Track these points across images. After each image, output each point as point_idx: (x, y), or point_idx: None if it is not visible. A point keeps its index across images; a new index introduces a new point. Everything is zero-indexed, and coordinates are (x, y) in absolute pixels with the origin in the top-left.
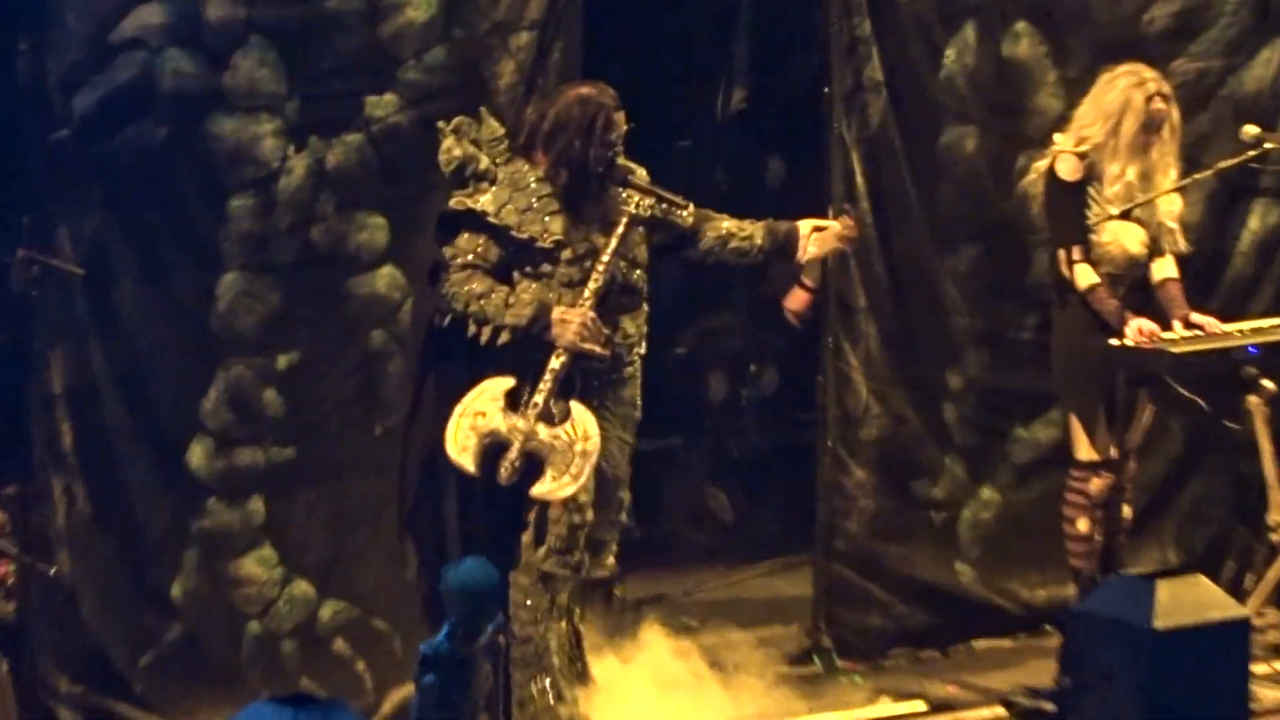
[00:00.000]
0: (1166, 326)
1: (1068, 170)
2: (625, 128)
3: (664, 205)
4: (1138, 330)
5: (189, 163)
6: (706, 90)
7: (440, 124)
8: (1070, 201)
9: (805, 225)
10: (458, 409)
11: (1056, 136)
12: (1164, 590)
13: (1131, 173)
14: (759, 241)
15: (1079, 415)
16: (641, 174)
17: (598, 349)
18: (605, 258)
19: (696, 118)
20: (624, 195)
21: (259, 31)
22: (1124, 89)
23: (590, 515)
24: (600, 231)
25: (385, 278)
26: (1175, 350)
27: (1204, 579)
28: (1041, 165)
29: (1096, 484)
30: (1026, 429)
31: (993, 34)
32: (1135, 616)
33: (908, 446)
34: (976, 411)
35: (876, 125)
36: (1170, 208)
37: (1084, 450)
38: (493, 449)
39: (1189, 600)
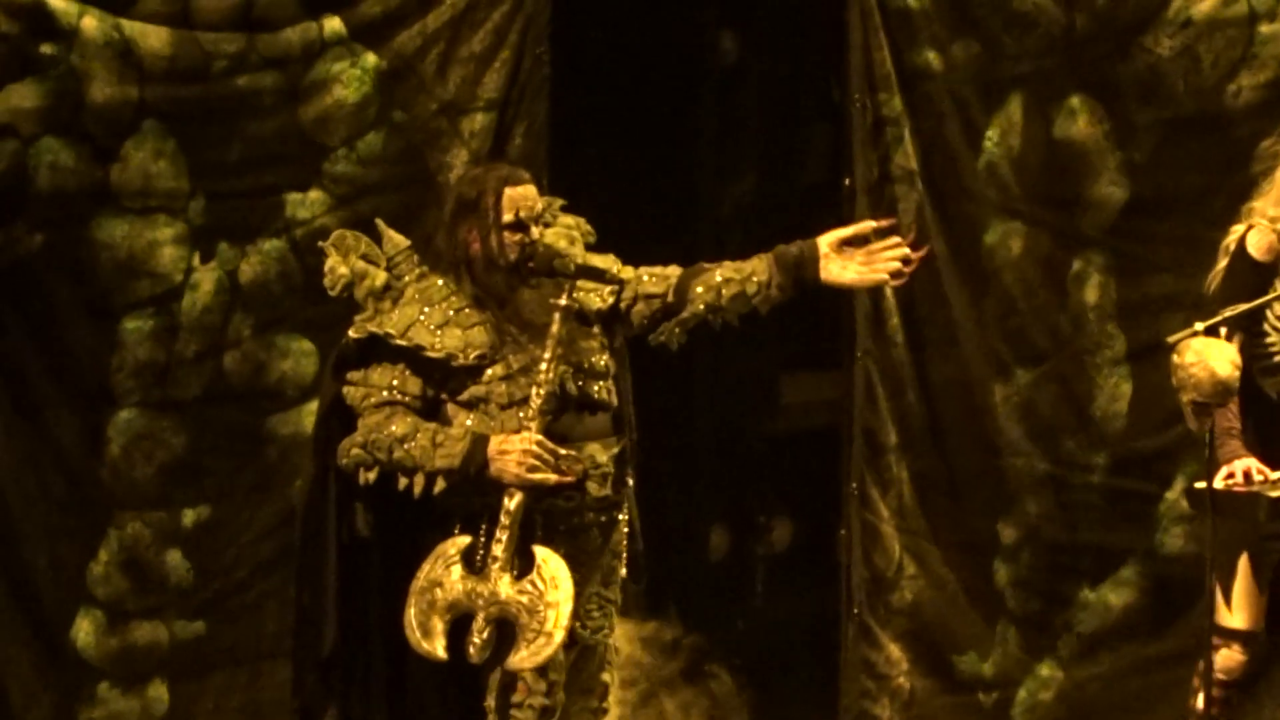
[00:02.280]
0: None
1: (1259, 247)
2: (537, 205)
3: (608, 284)
4: (1228, 473)
5: (70, 276)
6: (705, 183)
7: (320, 243)
8: (1254, 282)
9: (824, 241)
10: (412, 587)
11: (1247, 207)
12: None
13: None
14: (764, 276)
15: (1218, 570)
16: (575, 254)
17: (554, 477)
18: (543, 366)
19: (693, 216)
20: (553, 286)
21: (153, 115)
22: None
23: (562, 697)
24: (538, 339)
25: (313, 415)
26: (1274, 494)
27: None
28: (1230, 242)
29: (1227, 656)
30: (1095, 592)
31: (1043, 110)
32: None
33: (950, 614)
34: (1034, 572)
35: (909, 223)
36: None
37: (1221, 613)
38: (462, 624)
39: None
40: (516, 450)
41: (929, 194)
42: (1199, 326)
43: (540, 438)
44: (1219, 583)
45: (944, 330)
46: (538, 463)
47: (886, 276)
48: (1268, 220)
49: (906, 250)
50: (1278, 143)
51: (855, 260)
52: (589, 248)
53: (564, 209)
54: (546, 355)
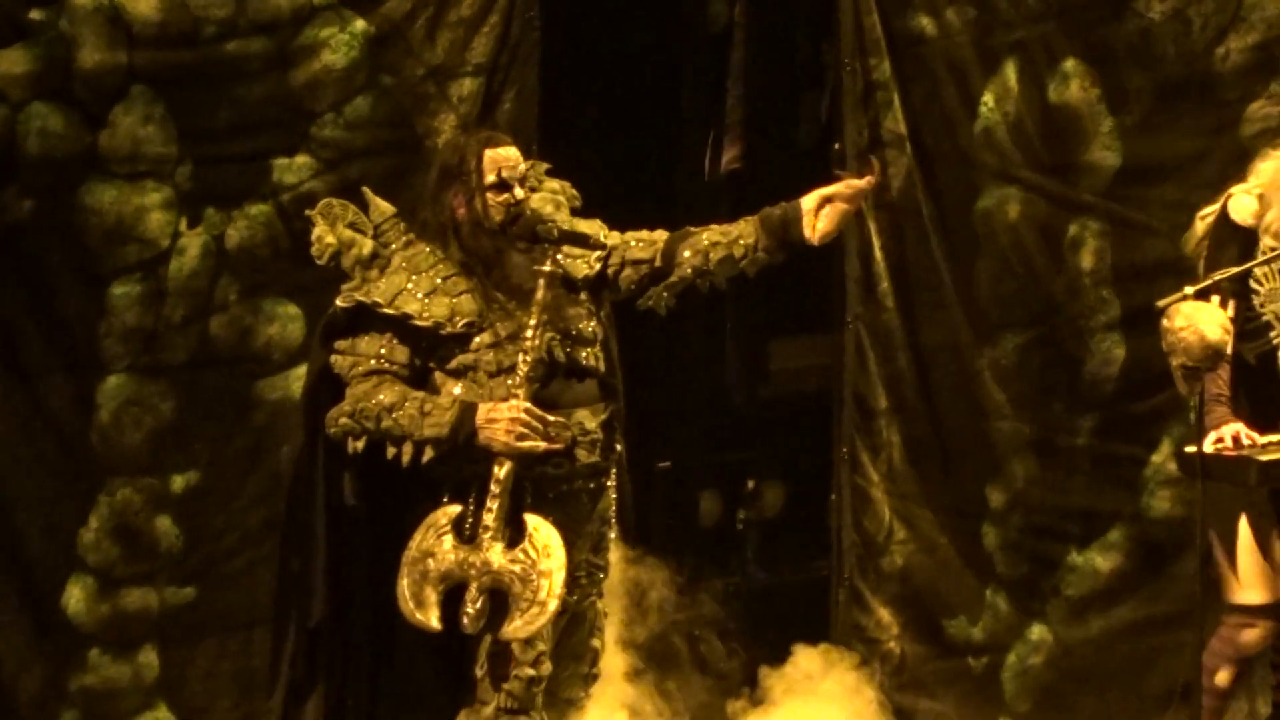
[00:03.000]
0: None
1: (1241, 211)
2: (520, 166)
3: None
4: (1217, 438)
5: (60, 241)
6: (693, 147)
7: (308, 211)
8: (1240, 248)
9: (809, 200)
10: (404, 558)
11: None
12: None
13: None
14: (751, 239)
15: (1221, 544)
16: (559, 219)
17: (542, 445)
18: (529, 334)
19: (681, 180)
20: (539, 253)
21: (142, 81)
22: None
23: (548, 667)
24: (525, 306)
25: (300, 380)
26: (1263, 458)
27: None
28: (1209, 211)
29: (1250, 636)
30: (1083, 555)
31: (1037, 75)
32: None
33: (940, 578)
34: (1023, 535)
35: (899, 188)
36: None
37: (1234, 590)
38: (453, 593)
39: None
40: (505, 418)
41: (918, 159)
42: (1189, 291)
43: (528, 405)
44: (1223, 558)
45: (934, 294)
46: (526, 430)
47: (847, 206)
48: (1248, 189)
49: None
50: (1266, 105)
51: (833, 208)
52: (575, 212)
53: (550, 173)
54: (532, 322)
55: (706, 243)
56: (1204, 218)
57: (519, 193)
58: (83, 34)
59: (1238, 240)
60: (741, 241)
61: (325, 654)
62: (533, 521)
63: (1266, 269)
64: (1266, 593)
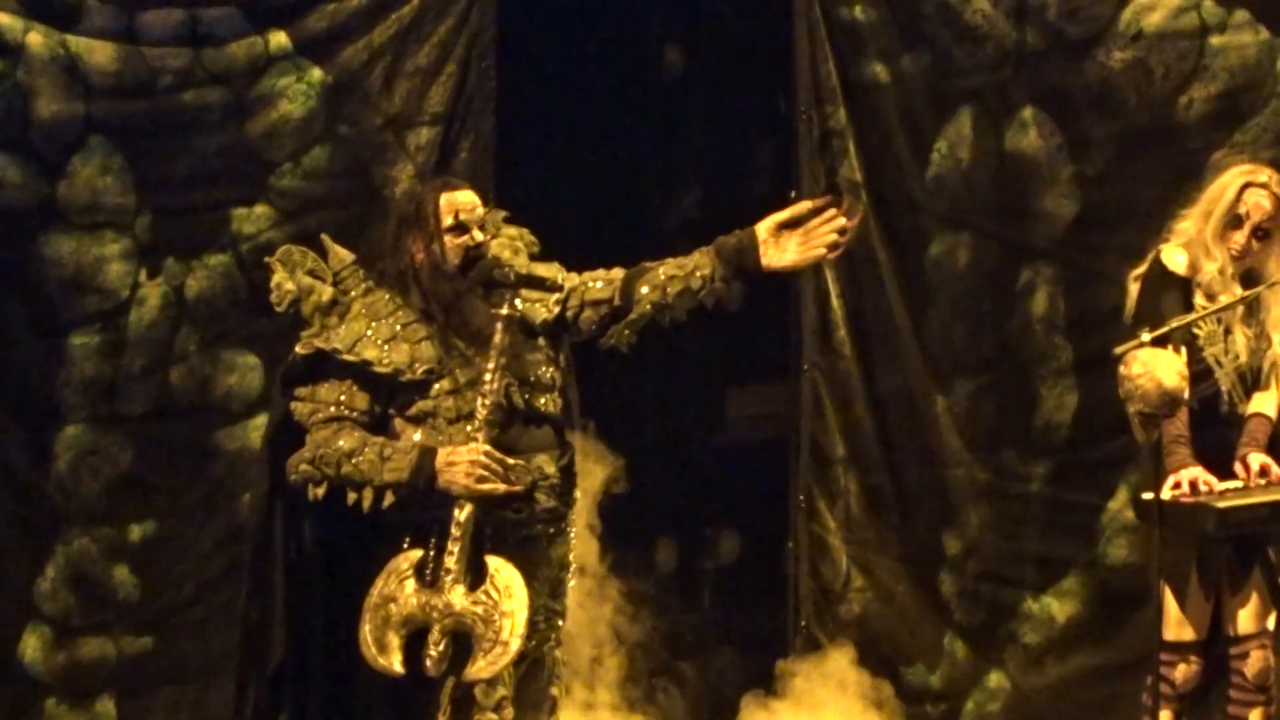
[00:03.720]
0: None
1: (1175, 261)
2: (477, 209)
3: (549, 291)
4: (1174, 483)
5: (17, 292)
6: (651, 196)
7: (266, 259)
8: (1179, 296)
9: (763, 227)
10: (365, 603)
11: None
12: None
13: (1215, 269)
14: (707, 269)
15: (1169, 583)
16: (520, 262)
17: (502, 487)
18: (487, 377)
19: (639, 228)
20: (497, 297)
21: (100, 131)
22: (1228, 177)
23: (510, 713)
24: (484, 352)
25: (259, 430)
26: (1221, 505)
27: None
28: (1141, 269)
29: (1183, 671)
30: (1039, 602)
31: (994, 123)
32: None
33: (897, 626)
34: (980, 582)
35: (855, 235)
36: None
37: (1170, 628)
38: (415, 637)
39: None
40: (464, 461)
41: (874, 205)
42: (1146, 337)
43: (488, 448)
44: (1168, 596)
45: (890, 342)
46: (486, 473)
47: (824, 251)
48: (1176, 237)
49: (842, 221)
50: (1229, 154)
51: (794, 241)
52: (533, 258)
53: (508, 220)
54: (490, 365)
55: (663, 276)
56: (1136, 279)
57: (477, 235)
58: (39, 84)
59: (1176, 287)
60: (698, 273)
61: (286, 701)
62: (494, 563)
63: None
64: (1195, 630)
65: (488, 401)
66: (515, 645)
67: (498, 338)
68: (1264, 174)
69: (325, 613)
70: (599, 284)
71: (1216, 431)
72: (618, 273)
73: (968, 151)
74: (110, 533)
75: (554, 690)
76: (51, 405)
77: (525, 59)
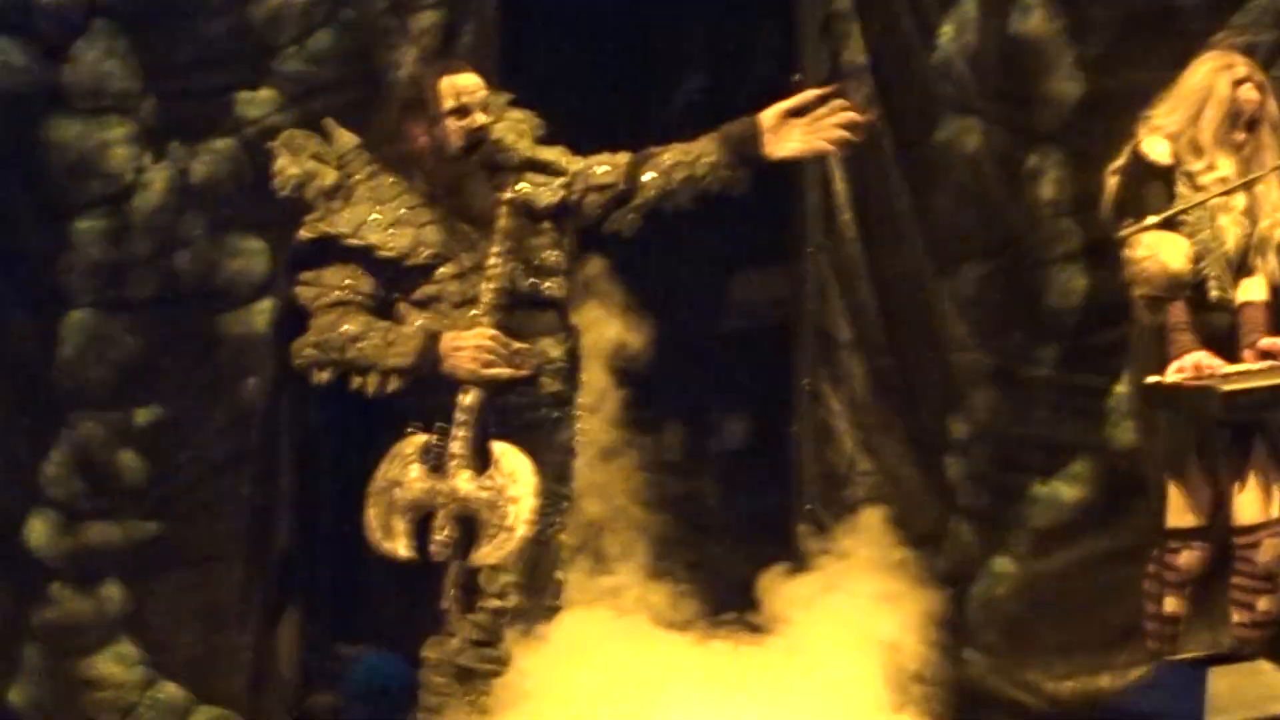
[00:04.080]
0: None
1: (1157, 151)
2: (479, 92)
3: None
4: (1179, 368)
5: (22, 177)
6: (656, 79)
7: (269, 144)
8: (1158, 189)
9: (769, 115)
10: (370, 488)
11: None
12: (1219, 680)
13: (1223, 170)
14: (712, 156)
15: (1170, 469)
16: (524, 145)
17: (508, 371)
18: (492, 261)
19: (644, 112)
20: (500, 181)
21: (104, 15)
22: (1206, 73)
23: (516, 599)
24: (488, 235)
25: (264, 314)
26: (1226, 388)
27: (1268, 666)
28: (1119, 162)
29: (1187, 557)
30: (1046, 485)
31: (998, 6)
32: (1184, 712)
33: (903, 509)
34: (986, 465)
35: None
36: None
37: (1172, 514)
38: (421, 522)
39: (1249, 693)
40: (470, 345)
41: (878, 88)
42: (1151, 220)
43: (494, 332)
44: (1170, 483)
45: (894, 225)
46: (492, 357)
47: (828, 145)
48: (1155, 131)
49: (850, 115)
50: (1229, 36)
51: (799, 129)
52: (537, 141)
53: (512, 103)
54: (495, 250)
55: (669, 162)
56: (1114, 172)
57: (479, 118)
58: None
59: (1158, 177)
60: (703, 160)
61: (294, 585)
62: (499, 448)
63: (1189, 199)
64: (1199, 516)
65: (492, 286)
66: (521, 531)
67: (501, 221)
68: (1241, 65)
69: (332, 497)
70: (603, 168)
71: (1205, 317)
72: (622, 157)
73: (974, 35)
74: (116, 417)
75: (559, 575)
76: (57, 290)
77: None
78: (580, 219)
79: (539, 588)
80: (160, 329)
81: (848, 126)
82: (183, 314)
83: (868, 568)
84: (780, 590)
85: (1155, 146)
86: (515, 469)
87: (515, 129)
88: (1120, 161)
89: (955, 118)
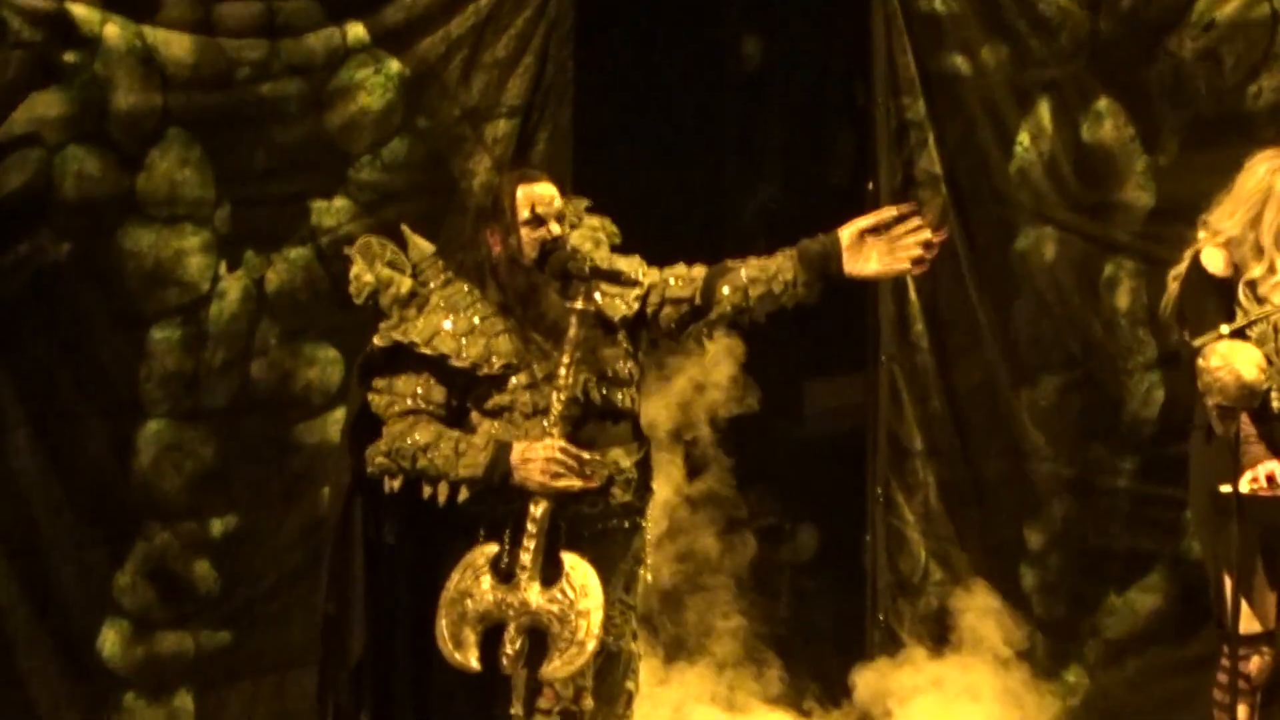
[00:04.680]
0: None
1: (1216, 263)
2: (555, 201)
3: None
4: (1253, 477)
5: (97, 285)
6: (729, 187)
7: (345, 249)
8: (1220, 300)
9: (846, 233)
10: (442, 598)
11: (1200, 234)
12: None
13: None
14: (790, 274)
15: (1237, 576)
16: (591, 255)
17: (578, 483)
18: (563, 371)
19: (717, 220)
20: (573, 290)
21: (179, 123)
22: (1264, 174)
23: (589, 703)
24: (561, 346)
25: (338, 423)
26: None
27: None
28: (1180, 268)
29: (1257, 663)
30: (1122, 596)
31: (1071, 114)
32: None
33: (977, 619)
34: (1061, 576)
35: (932, 219)
36: None
37: (1240, 620)
38: (492, 632)
39: None
40: (540, 457)
41: (953, 198)
42: (1225, 330)
43: (563, 443)
44: (1237, 591)
45: (968, 335)
46: (561, 469)
47: (908, 265)
48: (1214, 235)
49: (928, 234)
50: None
51: (877, 250)
52: (615, 249)
53: (589, 210)
54: (565, 360)
55: (745, 279)
56: (1175, 278)
57: (554, 228)
58: (117, 76)
59: (1218, 290)
60: (780, 277)
61: (367, 692)
62: (569, 560)
63: (1253, 308)
64: (1263, 621)
65: (563, 396)
66: (591, 645)
67: (572, 331)
68: None
69: (403, 605)
70: (679, 281)
71: (1267, 428)
72: (698, 270)
73: (1049, 143)
74: (191, 527)
75: (629, 684)
76: (133, 399)
77: (603, 50)
78: (654, 331)
79: (610, 697)
80: (235, 438)
81: (925, 246)
82: (258, 423)
83: (941, 677)
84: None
85: (1214, 258)
86: (585, 582)
87: (593, 236)
88: (1181, 268)
89: (1033, 227)
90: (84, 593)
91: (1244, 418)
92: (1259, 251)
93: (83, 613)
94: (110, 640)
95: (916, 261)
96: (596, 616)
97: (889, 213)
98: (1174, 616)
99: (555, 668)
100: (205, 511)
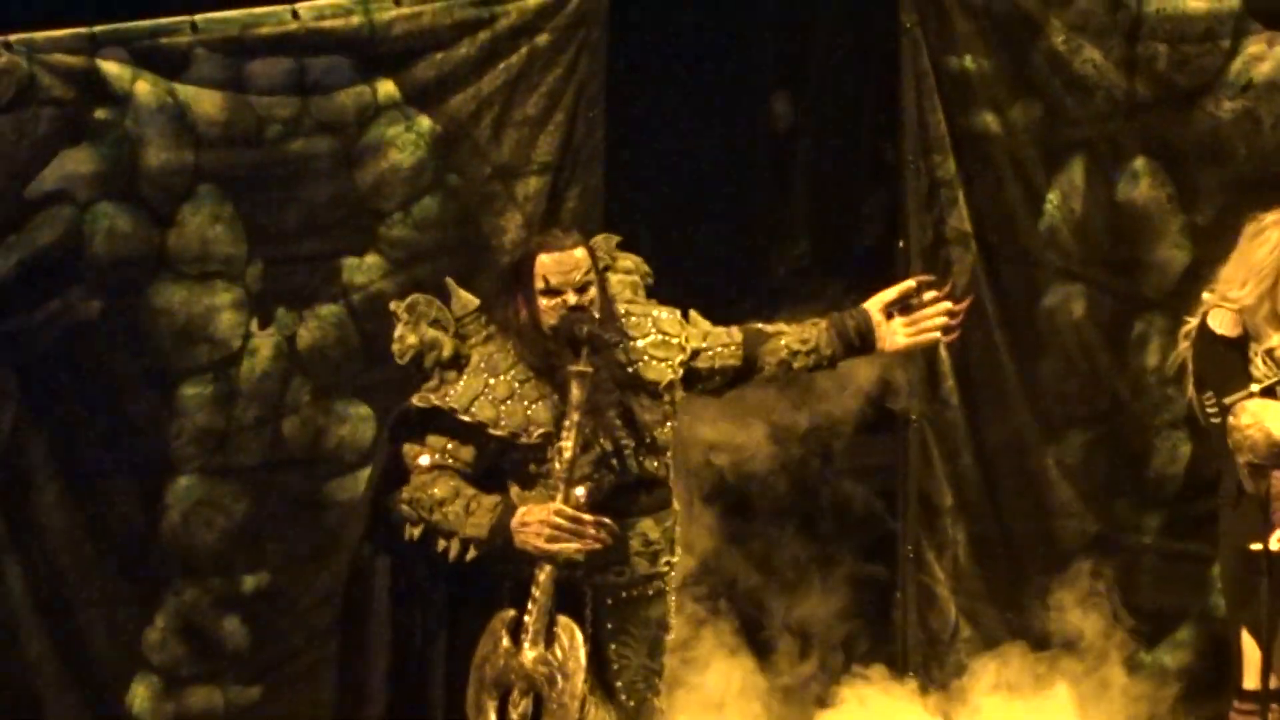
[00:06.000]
0: None
1: (1225, 325)
2: (573, 272)
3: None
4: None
5: (128, 342)
6: (759, 245)
7: (392, 305)
8: (1234, 357)
9: (875, 307)
10: (473, 661)
11: (1204, 295)
12: None
13: None
14: (826, 351)
15: (1252, 634)
16: (637, 304)
17: (574, 546)
18: (564, 434)
19: (747, 278)
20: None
21: (210, 180)
22: (1277, 242)
23: None
24: (590, 413)
25: None
26: None
27: None
28: (1189, 328)
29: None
30: (1150, 654)
31: (1105, 173)
32: None
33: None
34: (1090, 634)
35: (963, 286)
36: None
37: (1253, 677)
38: (506, 697)
39: None
40: (535, 520)
41: (983, 256)
42: (1255, 388)
43: (559, 506)
44: (1249, 644)
45: (998, 392)
46: (557, 533)
47: (937, 335)
48: (1224, 298)
49: (949, 305)
50: None
51: (902, 322)
52: (649, 290)
53: (621, 246)
54: (567, 423)
55: (787, 351)
56: (1185, 336)
57: (570, 298)
58: (148, 134)
59: (1232, 349)
60: (820, 352)
61: None
62: (561, 622)
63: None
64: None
65: (565, 458)
66: (573, 708)
67: (574, 393)
68: None
69: (425, 661)
70: (725, 349)
71: None
72: (737, 334)
73: (1080, 202)
74: (222, 583)
75: None
76: (164, 456)
77: (634, 108)
78: (697, 392)
79: None
80: (267, 495)
81: (950, 315)
82: (290, 480)
83: None
84: None
85: (1223, 320)
86: (572, 644)
87: (630, 282)
88: (1190, 327)
89: (1061, 285)
90: (114, 649)
91: (1275, 475)
92: (1274, 323)
93: (112, 668)
94: (140, 696)
95: (946, 330)
96: (578, 679)
97: (909, 285)
98: (1204, 674)
99: None
100: (236, 568)
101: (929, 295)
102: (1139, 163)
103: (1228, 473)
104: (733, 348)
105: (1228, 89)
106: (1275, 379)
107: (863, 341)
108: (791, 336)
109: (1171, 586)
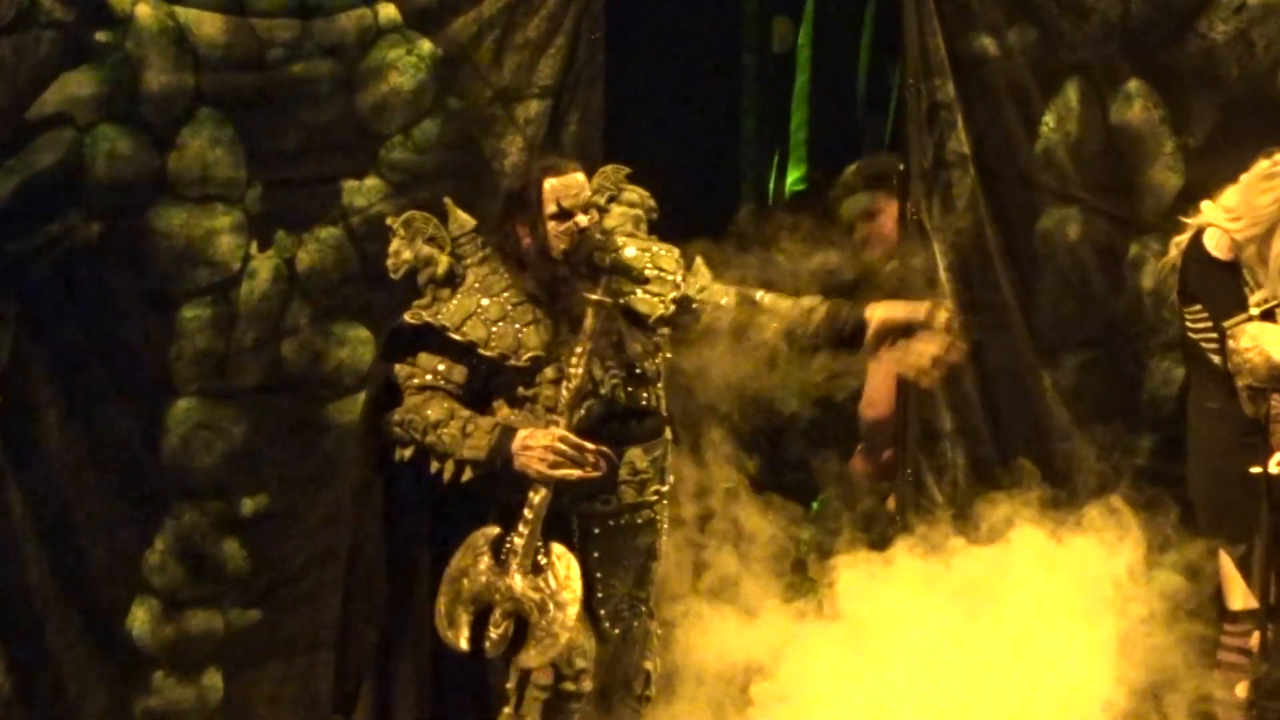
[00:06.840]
0: None
1: (1220, 247)
2: (582, 193)
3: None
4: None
5: (128, 265)
6: (757, 169)
7: (389, 220)
8: (1230, 279)
9: (876, 314)
10: (445, 574)
11: (1204, 204)
12: None
13: None
14: (810, 342)
15: (1231, 553)
16: (638, 241)
17: (576, 473)
18: (574, 361)
19: (745, 202)
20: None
21: (210, 103)
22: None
23: (588, 685)
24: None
25: None
26: None
27: None
28: (1182, 239)
29: (1256, 640)
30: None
31: (1100, 96)
32: None
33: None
34: None
35: (962, 208)
36: None
37: (1238, 597)
38: (483, 615)
39: None
40: (539, 444)
41: (982, 179)
42: (1254, 311)
43: (564, 432)
44: (1230, 566)
45: (997, 315)
46: (560, 458)
47: (913, 374)
48: (1221, 217)
49: (937, 349)
50: None
51: (891, 344)
52: (653, 226)
53: (629, 178)
54: (578, 350)
55: (772, 334)
56: (1177, 244)
57: (581, 220)
58: (149, 56)
59: (1227, 270)
60: (812, 334)
61: (374, 668)
62: (557, 550)
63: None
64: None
65: (572, 385)
66: (563, 639)
67: (588, 322)
68: None
69: (421, 584)
70: (717, 310)
71: None
72: (731, 298)
73: (1075, 125)
74: (221, 506)
75: (647, 665)
76: (163, 379)
77: (635, 31)
78: (682, 331)
79: (627, 678)
80: (265, 418)
81: (934, 361)
82: (289, 403)
83: None
84: None
85: (1218, 242)
86: (568, 574)
87: (632, 215)
88: (1184, 237)
89: (1057, 207)
90: (113, 571)
91: (1275, 398)
92: (1264, 261)
93: (112, 591)
94: (140, 619)
95: (923, 372)
96: (573, 610)
97: (920, 312)
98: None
99: (529, 656)
100: (235, 491)
101: (927, 335)
102: (1132, 85)
103: (1198, 385)
104: (722, 314)
105: (1221, 11)
106: (1275, 302)
107: (851, 340)
108: (781, 322)
109: (1161, 509)
